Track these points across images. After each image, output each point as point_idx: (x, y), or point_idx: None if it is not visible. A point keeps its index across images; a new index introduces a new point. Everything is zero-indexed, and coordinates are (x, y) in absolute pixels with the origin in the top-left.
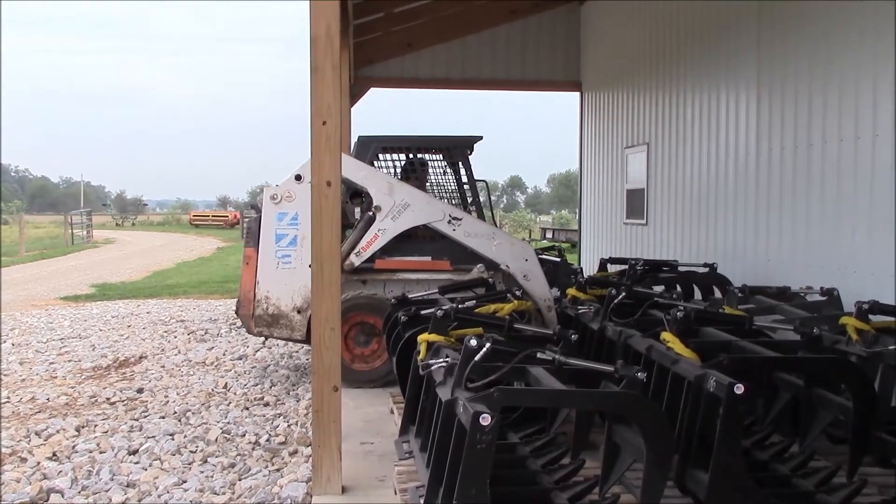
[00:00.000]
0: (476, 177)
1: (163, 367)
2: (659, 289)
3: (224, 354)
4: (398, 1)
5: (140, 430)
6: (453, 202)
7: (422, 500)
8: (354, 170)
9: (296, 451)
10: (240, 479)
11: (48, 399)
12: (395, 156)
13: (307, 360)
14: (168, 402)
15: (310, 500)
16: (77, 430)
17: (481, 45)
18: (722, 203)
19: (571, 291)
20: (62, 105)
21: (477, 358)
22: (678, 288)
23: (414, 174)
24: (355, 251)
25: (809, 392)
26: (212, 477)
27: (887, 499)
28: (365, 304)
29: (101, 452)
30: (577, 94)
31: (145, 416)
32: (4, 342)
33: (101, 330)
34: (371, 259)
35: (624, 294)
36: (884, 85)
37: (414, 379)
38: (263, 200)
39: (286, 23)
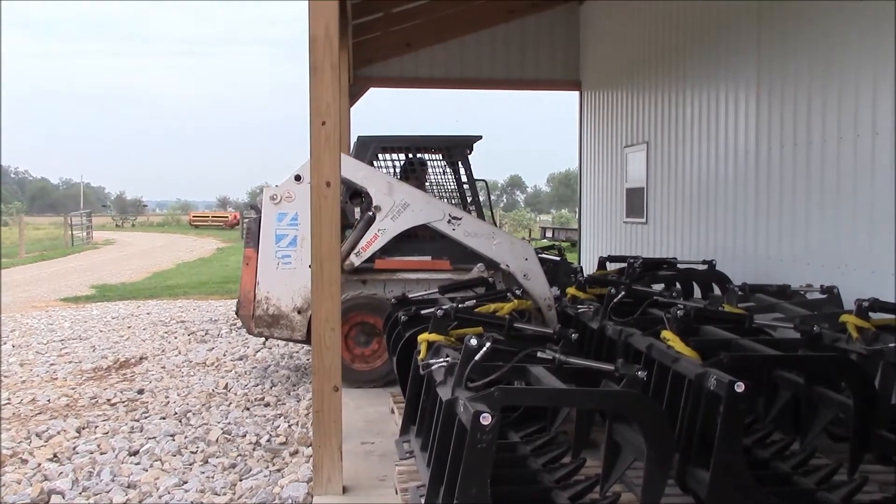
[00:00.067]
0: (476, 176)
1: (163, 367)
2: (658, 287)
3: (224, 355)
4: (397, 1)
5: (141, 431)
6: (453, 202)
7: (423, 500)
8: (354, 170)
9: (296, 452)
10: (241, 480)
11: (49, 400)
12: (394, 156)
13: (307, 360)
14: (168, 402)
15: (311, 501)
16: (78, 431)
17: (480, 44)
18: (721, 201)
19: (571, 290)
20: (62, 106)
21: (477, 357)
22: (677, 286)
23: (413, 174)
24: (355, 251)
25: (810, 390)
26: (212, 477)
27: (888, 496)
28: (365, 304)
29: (101, 453)
30: (577, 93)
31: (146, 417)
32: (5, 344)
33: (101, 331)
34: (371, 259)
35: (624, 293)
36: (883, 84)
37: (414, 378)
38: (263, 201)
39: (286, 23)
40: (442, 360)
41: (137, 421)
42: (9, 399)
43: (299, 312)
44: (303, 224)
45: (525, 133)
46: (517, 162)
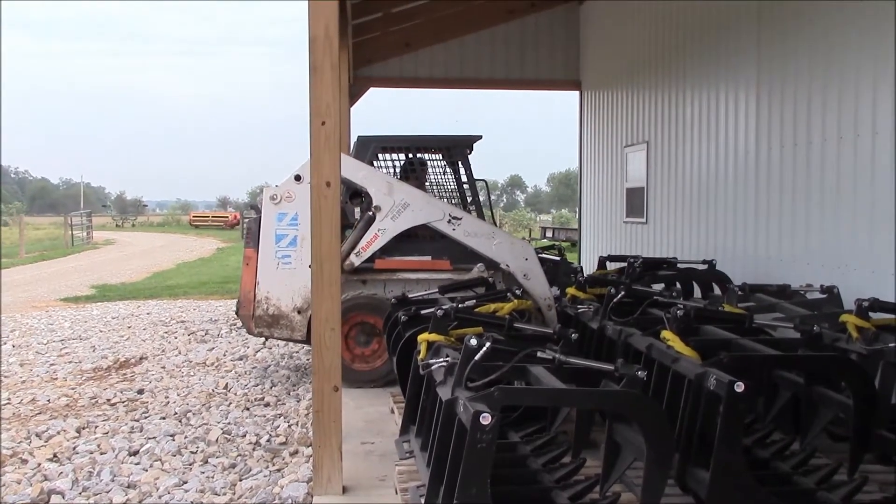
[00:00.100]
0: (476, 176)
1: (163, 367)
2: (658, 286)
3: (224, 355)
4: (397, 1)
5: (141, 431)
6: (453, 202)
7: (422, 500)
8: (354, 170)
9: (296, 452)
10: (240, 480)
11: (49, 400)
12: (394, 155)
13: (307, 360)
14: (168, 402)
15: (311, 501)
16: (78, 431)
17: (480, 44)
18: (721, 201)
19: (571, 290)
20: (62, 106)
21: (477, 357)
22: (677, 285)
23: (413, 174)
24: (355, 251)
25: (810, 390)
26: (212, 477)
27: (888, 496)
28: (365, 304)
29: (101, 453)
30: (577, 93)
31: (146, 417)
32: (5, 344)
33: (101, 331)
34: (371, 259)
35: (623, 293)
36: (883, 84)
37: (414, 378)
38: (263, 201)
39: (286, 23)
40: (442, 360)
41: (137, 421)
42: (9, 399)
43: (299, 312)
44: (303, 224)
45: (525, 133)
46: (517, 162)
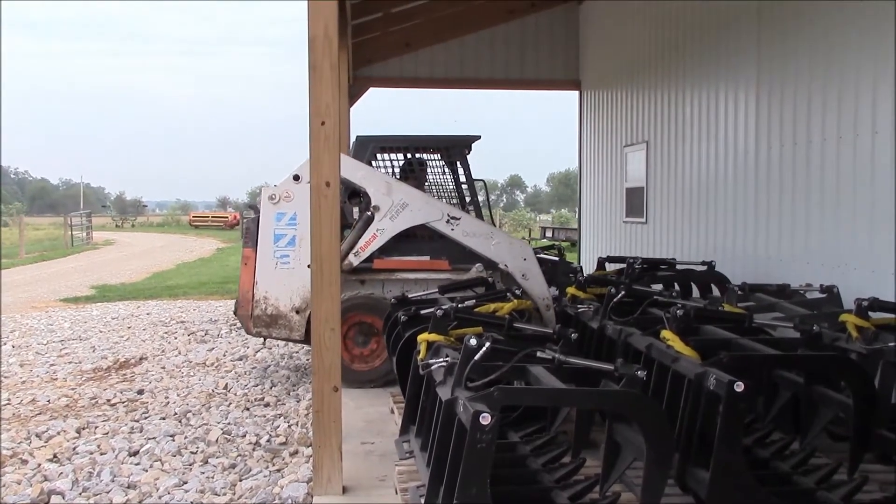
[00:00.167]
0: (475, 176)
1: (163, 368)
2: (657, 287)
3: (224, 355)
4: (396, 1)
5: (140, 432)
6: (452, 202)
7: (422, 500)
8: (353, 170)
9: (296, 452)
10: (241, 480)
11: (49, 401)
12: (393, 155)
13: (307, 360)
14: (168, 403)
15: (311, 501)
16: (78, 431)
17: (479, 44)
18: (721, 201)
19: (571, 290)
20: (62, 106)
21: (477, 357)
22: (675, 286)
23: (412, 174)
24: (354, 251)
25: (810, 389)
26: (212, 478)
27: (888, 495)
28: (362, 304)
29: (101, 454)
30: (577, 93)
31: (146, 418)
32: (4, 344)
33: (101, 331)
34: (369, 259)
35: (623, 293)
36: (883, 84)
37: (414, 379)
38: (262, 201)
39: (286, 23)
40: (441, 360)
41: (137, 421)
42: (9, 399)
43: (297, 312)
44: (301, 224)
45: (525, 133)
46: (517, 162)
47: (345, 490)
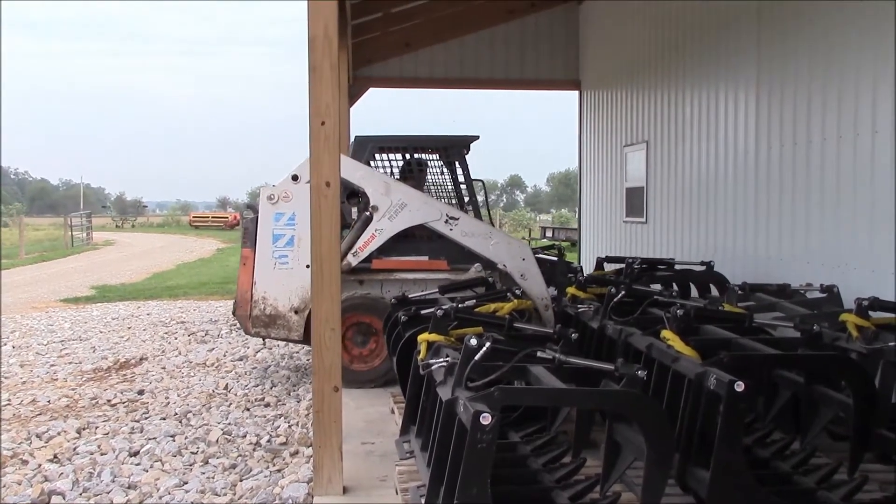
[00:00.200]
0: (475, 176)
1: (163, 368)
2: (655, 287)
3: (224, 355)
4: (396, 1)
5: (141, 432)
6: (452, 202)
7: (423, 500)
8: (351, 170)
9: (297, 452)
10: (241, 480)
11: (49, 401)
12: (391, 156)
13: (308, 360)
14: (169, 403)
15: (311, 501)
16: (78, 432)
17: (479, 44)
18: (721, 200)
19: (571, 290)
20: (62, 106)
21: (477, 357)
22: (674, 286)
23: (411, 174)
24: (352, 251)
25: (810, 389)
26: (213, 478)
27: (889, 495)
28: (361, 304)
29: (102, 454)
30: (577, 92)
31: (146, 418)
32: (5, 345)
33: (101, 332)
34: (368, 259)
35: (624, 292)
36: (883, 84)
37: (414, 379)
38: (260, 201)
39: (286, 23)
40: (442, 360)
41: (138, 422)
42: (9, 400)
43: (296, 312)
44: (300, 224)
45: (525, 133)
46: (517, 162)
47: (345, 490)
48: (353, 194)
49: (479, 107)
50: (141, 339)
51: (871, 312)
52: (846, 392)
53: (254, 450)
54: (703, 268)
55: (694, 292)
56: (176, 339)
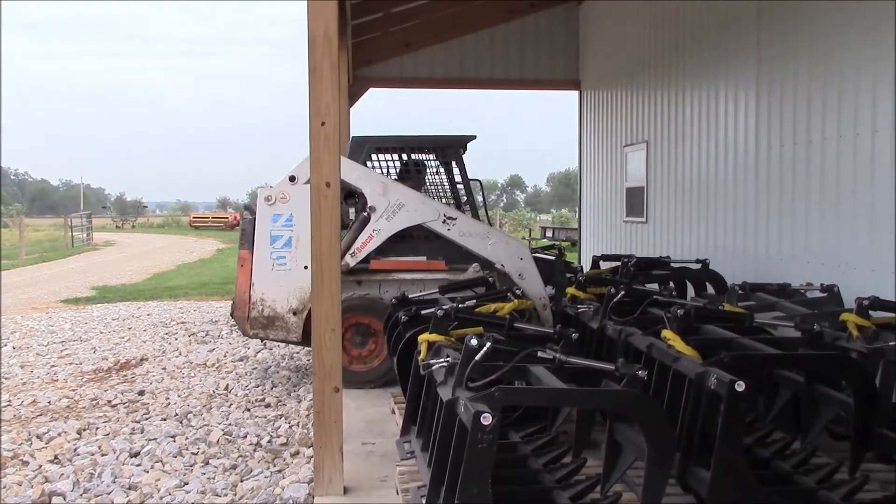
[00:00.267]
0: (474, 176)
1: (164, 369)
2: (652, 286)
3: (225, 356)
4: (396, 1)
5: (141, 433)
6: (451, 203)
7: (424, 500)
8: (349, 170)
9: (297, 452)
10: (241, 481)
11: (49, 402)
12: (388, 156)
13: (308, 361)
14: (169, 404)
15: (312, 501)
16: (78, 432)
17: (479, 44)
18: (722, 200)
19: (571, 290)
20: (62, 106)
21: (477, 357)
22: (671, 284)
23: (408, 175)
24: (350, 252)
25: (810, 389)
26: (213, 478)
27: (889, 495)
28: (360, 305)
29: (102, 455)
30: (577, 92)
31: (146, 419)
32: (5, 345)
33: (101, 332)
34: (366, 260)
35: (623, 292)
36: (883, 84)
37: (415, 379)
38: (258, 202)
39: (286, 23)
40: (442, 360)
41: (138, 422)
42: (9, 401)
43: (294, 314)
44: (298, 225)
45: (525, 133)
46: (517, 162)
47: (346, 491)
48: (350, 195)
49: (479, 107)
50: (141, 339)
51: (871, 312)
52: (847, 392)
53: (254, 450)
54: (699, 266)
55: (690, 290)
56: (176, 339)
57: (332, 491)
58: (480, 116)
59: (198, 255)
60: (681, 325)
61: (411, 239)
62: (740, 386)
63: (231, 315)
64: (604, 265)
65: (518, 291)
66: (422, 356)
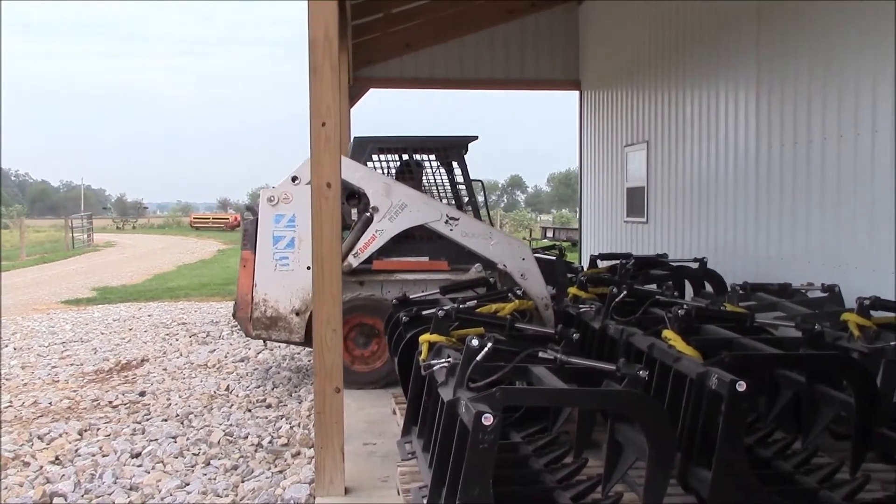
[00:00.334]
0: (475, 177)
1: (165, 369)
2: (650, 286)
3: (226, 357)
4: (397, 1)
5: (142, 433)
6: (452, 203)
7: (425, 501)
8: (351, 171)
9: (298, 453)
10: (243, 482)
11: (50, 403)
12: (390, 156)
13: (309, 361)
14: (170, 404)
15: (313, 502)
16: (79, 433)
17: (480, 44)
18: (722, 200)
19: (573, 290)
20: (62, 106)
21: (479, 358)
22: (670, 283)
23: (410, 175)
24: (353, 252)
25: (811, 389)
26: (215, 479)
27: (890, 495)
28: (363, 306)
29: (103, 456)
30: (577, 92)
31: (147, 419)
32: (6, 346)
33: (102, 333)
34: (369, 260)
35: (625, 292)
36: (883, 84)
37: (416, 379)
38: (260, 203)
39: (286, 24)
40: (443, 360)
41: (139, 423)
42: (10, 402)
43: (297, 314)
44: (300, 225)
45: (525, 133)
46: (517, 162)
47: (347, 491)
48: (352, 195)
49: (479, 107)
50: (142, 340)
51: (872, 312)
52: (848, 391)
53: (255, 451)
54: (697, 265)
55: (689, 290)
56: (177, 340)
57: (334, 491)
58: (481, 116)
59: (198, 255)
60: (682, 325)
61: (413, 239)
62: (741, 386)
63: (233, 316)
64: (601, 264)
65: (519, 291)
66: (423, 357)
